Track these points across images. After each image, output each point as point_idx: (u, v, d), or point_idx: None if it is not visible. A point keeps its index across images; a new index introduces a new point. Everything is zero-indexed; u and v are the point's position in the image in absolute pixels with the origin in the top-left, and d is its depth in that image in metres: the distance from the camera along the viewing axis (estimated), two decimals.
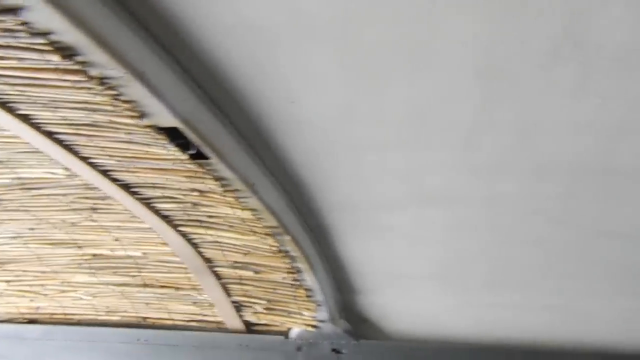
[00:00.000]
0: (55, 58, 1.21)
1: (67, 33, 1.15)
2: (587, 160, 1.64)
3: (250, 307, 2.46)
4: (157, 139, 1.54)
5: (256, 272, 2.30)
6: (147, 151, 1.62)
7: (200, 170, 1.71)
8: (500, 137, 1.59)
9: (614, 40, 1.25)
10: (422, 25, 1.29)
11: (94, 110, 1.45)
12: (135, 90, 1.34)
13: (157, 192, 1.87)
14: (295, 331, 2.48)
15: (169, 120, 1.45)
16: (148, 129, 1.49)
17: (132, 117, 1.44)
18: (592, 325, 2.29)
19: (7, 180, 2.00)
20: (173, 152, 1.59)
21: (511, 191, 1.83)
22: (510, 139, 1.60)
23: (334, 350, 2.46)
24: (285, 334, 2.50)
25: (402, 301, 2.40)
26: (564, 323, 2.30)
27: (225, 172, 1.72)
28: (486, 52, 1.34)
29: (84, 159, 1.72)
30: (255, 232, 2.07)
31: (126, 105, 1.38)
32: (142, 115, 1.43)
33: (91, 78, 1.28)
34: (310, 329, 2.46)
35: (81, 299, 2.54)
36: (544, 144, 1.61)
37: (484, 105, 1.50)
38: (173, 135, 1.54)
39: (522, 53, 1.32)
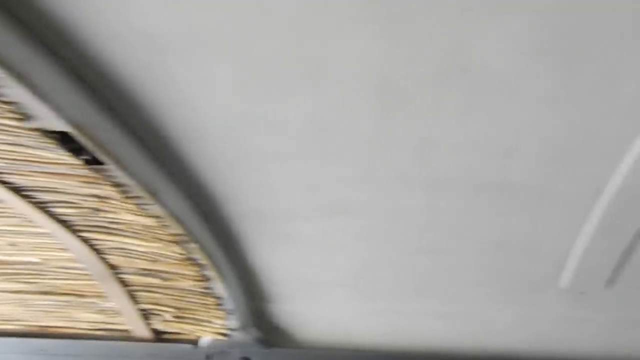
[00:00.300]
0: None
1: None
2: (479, 177, 1.71)
3: (159, 315, 2.39)
4: (46, 142, 1.47)
5: (164, 279, 2.25)
6: (36, 154, 1.55)
7: (97, 176, 1.65)
8: (398, 152, 1.63)
9: (495, 68, 1.30)
10: (317, 42, 1.30)
11: None
12: (17, 92, 1.28)
13: (52, 197, 1.78)
14: (205, 340, 2.44)
15: (56, 124, 1.38)
16: (35, 132, 1.42)
17: (15, 119, 1.36)
18: (490, 331, 2.39)
19: None
20: (64, 156, 1.52)
21: (412, 204, 1.88)
22: (407, 154, 1.64)
23: (244, 358, 2.43)
24: (194, 342, 2.45)
25: (314, 309, 2.41)
26: (466, 329, 2.39)
27: (124, 179, 1.66)
28: (380, 70, 1.36)
29: None
30: (160, 239, 2.02)
31: (8, 107, 1.31)
32: (26, 117, 1.36)
33: None
34: (220, 337, 2.42)
35: None
36: (439, 160, 1.66)
37: (381, 121, 1.53)
38: (66, 139, 1.48)
39: (413, 73, 1.36)
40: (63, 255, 2.13)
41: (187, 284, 2.24)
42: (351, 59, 1.32)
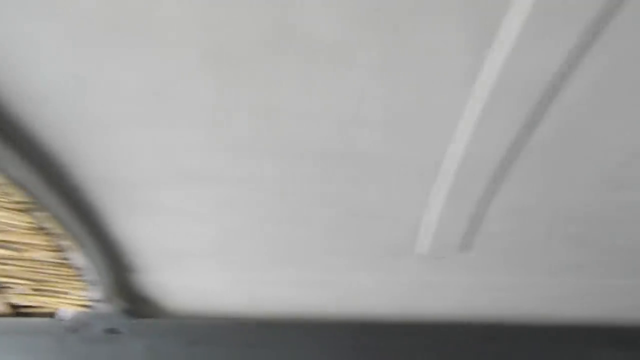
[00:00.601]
0: None
1: None
2: (327, 146, 1.75)
3: (14, 288, 2.28)
4: None
5: (17, 250, 2.14)
6: None
7: None
8: (246, 119, 1.63)
9: (324, 36, 1.32)
10: (141, 3, 1.26)
11: None
12: None
13: None
14: (65, 312, 2.36)
15: None
16: None
17: None
18: (353, 298, 2.49)
19: None
20: None
21: (269, 172, 1.89)
22: (256, 121, 1.64)
23: (109, 329, 2.38)
24: (54, 315, 2.36)
25: (181, 279, 2.40)
26: (329, 296, 2.48)
27: None
28: (210, 34, 1.35)
29: None
30: (5, 207, 1.92)
31: None
32: None
33: None
34: (82, 309, 2.35)
35: None
36: (289, 129, 1.68)
37: (223, 88, 1.52)
38: None
39: (246, 41, 1.35)
40: None
41: (42, 254, 2.15)
42: (179, 20, 1.29)
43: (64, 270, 2.21)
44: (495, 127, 1.66)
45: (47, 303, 2.34)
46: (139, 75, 1.47)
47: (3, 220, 1.99)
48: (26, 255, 2.15)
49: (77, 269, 2.21)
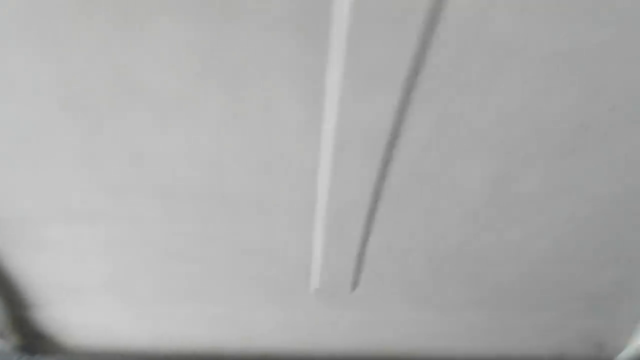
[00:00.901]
0: None
1: None
2: (200, 188, 1.84)
3: None
4: None
5: None
6: None
7: None
8: (114, 163, 1.72)
9: (168, 89, 1.44)
10: None
11: None
12: None
13: None
14: None
15: None
16: None
17: None
18: (254, 334, 2.56)
19: None
20: None
21: (150, 212, 1.98)
22: (124, 166, 1.73)
23: None
24: None
25: (79, 314, 2.43)
26: (231, 332, 2.53)
27: None
28: (67, 89, 1.45)
29: None
30: None
31: None
32: None
33: None
34: None
35: None
36: (156, 172, 1.77)
37: (86, 135, 1.61)
38: None
39: (99, 94, 1.45)
40: None
41: None
42: (34, 73, 1.39)
43: None
44: (350, 173, 1.78)
45: None
46: (6, 121, 1.56)
47: None
48: None
49: None
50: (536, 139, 1.68)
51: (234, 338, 2.57)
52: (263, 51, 1.33)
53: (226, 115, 1.53)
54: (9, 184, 1.82)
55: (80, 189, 1.86)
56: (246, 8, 1.23)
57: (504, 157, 1.77)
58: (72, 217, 2.00)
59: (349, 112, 1.50)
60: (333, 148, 1.64)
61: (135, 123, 1.57)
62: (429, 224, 2.08)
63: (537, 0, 1.22)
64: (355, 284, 2.45)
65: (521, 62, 1.36)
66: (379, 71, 1.37)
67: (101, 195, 1.90)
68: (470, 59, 1.35)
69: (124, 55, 1.36)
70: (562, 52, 1.35)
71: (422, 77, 1.40)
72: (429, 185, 1.88)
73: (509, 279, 2.45)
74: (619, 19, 1.30)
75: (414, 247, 2.20)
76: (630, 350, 2.75)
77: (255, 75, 1.40)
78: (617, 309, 2.58)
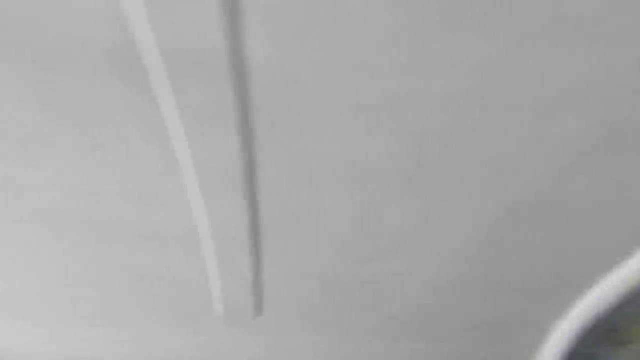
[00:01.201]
0: None
1: None
2: (85, 214, 1.93)
3: None
4: None
5: None
6: None
7: None
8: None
9: (27, 126, 1.55)
10: None
11: None
12: None
13: None
14: None
15: None
16: None
17: None
18: (158, 357, 2.62)
19: None
20: None
21: (42, 238, 2.07)
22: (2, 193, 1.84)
23: None
24: None
25: None
26: (136, 354, 2.60)
27: None
28: None
29: None
30: None
31: None
32: None
33: None
34: None
35: None
36: (39, 197, 1.87)
37: None
38: None
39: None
40: None
41: None
42: None
43: None
44: (221, 203, 1.87)
45: None
46: None
47: None
48: None
49: None
50: (389, 176, 1.78)
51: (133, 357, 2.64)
52: (94, 92, 1.43)
53: (83, 148, 1.63)
54: None
55: None
56: (61, 57, 1.33)
57: (368, 190, 1.87)
58: None
59: (200, 148, 1.60)
60: (197, 181, 1.75)
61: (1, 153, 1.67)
62: (313, 254, 2.17)
63: (340, 51, 1.33)
64: (258, 310, 2.53)
65: (337, 109, 1.47)
66: (211, 113, 1.48)
67: None
68: (290, 105, 1.46)
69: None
70: (368, 104, 1.46)
71: (255, 119, 1.51)
72: (301, 216, 1.98)
73: (404, 310, 2.53)
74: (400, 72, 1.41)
75: (309, 272, 2.28)
76: None
77: (100, 112, 1.51)
78: (515, 337, 2.66)
